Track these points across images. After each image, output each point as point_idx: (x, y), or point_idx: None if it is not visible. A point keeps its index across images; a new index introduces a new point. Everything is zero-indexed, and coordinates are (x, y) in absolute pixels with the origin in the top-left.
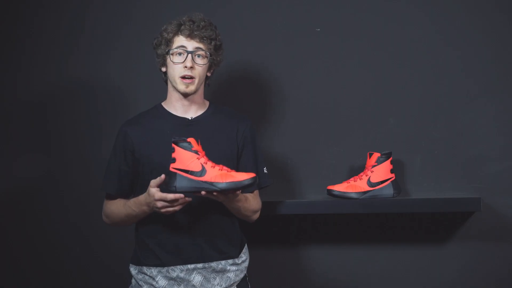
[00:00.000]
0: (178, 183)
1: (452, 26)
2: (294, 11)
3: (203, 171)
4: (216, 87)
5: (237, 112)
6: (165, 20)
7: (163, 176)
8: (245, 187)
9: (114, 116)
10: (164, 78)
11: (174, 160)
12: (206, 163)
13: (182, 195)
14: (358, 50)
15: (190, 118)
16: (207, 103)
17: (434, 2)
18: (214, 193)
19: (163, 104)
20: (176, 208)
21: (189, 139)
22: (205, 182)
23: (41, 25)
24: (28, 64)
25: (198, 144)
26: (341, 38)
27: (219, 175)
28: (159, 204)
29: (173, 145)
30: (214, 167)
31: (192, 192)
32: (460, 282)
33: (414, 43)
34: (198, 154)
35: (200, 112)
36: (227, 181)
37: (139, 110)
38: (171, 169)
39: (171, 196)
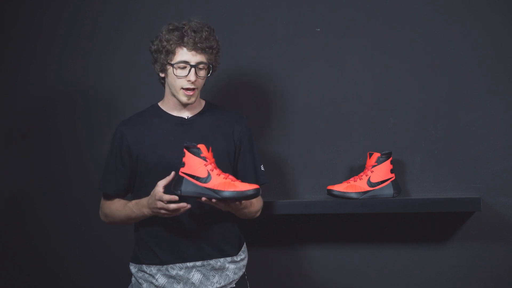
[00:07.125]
0: (184, 188)
1: (452, 26)
2: (294, 11)
3: (208, 178)
4: (215, 88)
5: (232, 111)
6: (165, 21)
7: (172, 174)
8: (248, 198)
9: (114, 116)
10: (161, 81)
11: (183, 165)
12: (212, 170)
13: (184, 205)
14: (358, 50)
15: (186, 118)
16: (203, 102)
17: (434, 2)
18: (213, 200)
19: (159, 104)
20: (174, 214)
21: (199, 145)
22: (209, 189)
23: (41, 25)
24: (28, 65)
25: (208, 151)
26: (341, 38)
27: (222, 183)
28: (159, 204)
29: (184, 150)
30: (219, 175)
31: (195, 197)
32: (460, 282)
33: (414, 43)
34: (206, 161)
35: (196, 111)
36: (230, 190)
37: (139, 110)
38: (180, 173)
39: (173, 206)
